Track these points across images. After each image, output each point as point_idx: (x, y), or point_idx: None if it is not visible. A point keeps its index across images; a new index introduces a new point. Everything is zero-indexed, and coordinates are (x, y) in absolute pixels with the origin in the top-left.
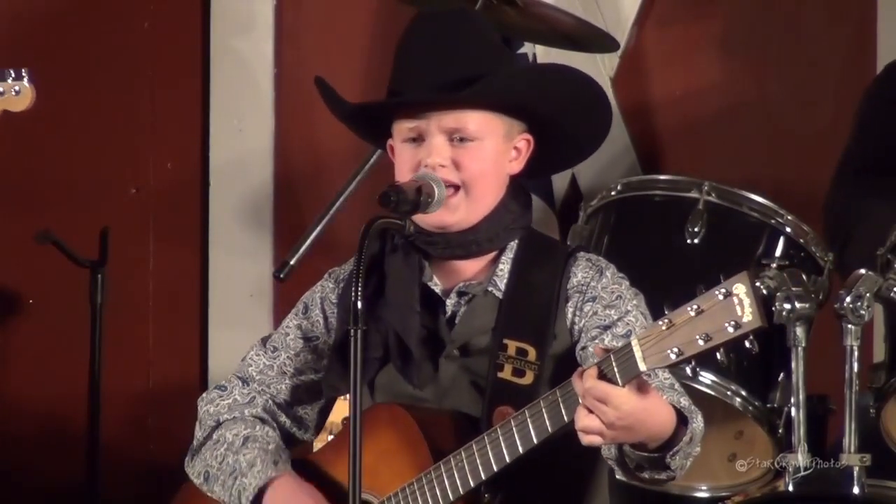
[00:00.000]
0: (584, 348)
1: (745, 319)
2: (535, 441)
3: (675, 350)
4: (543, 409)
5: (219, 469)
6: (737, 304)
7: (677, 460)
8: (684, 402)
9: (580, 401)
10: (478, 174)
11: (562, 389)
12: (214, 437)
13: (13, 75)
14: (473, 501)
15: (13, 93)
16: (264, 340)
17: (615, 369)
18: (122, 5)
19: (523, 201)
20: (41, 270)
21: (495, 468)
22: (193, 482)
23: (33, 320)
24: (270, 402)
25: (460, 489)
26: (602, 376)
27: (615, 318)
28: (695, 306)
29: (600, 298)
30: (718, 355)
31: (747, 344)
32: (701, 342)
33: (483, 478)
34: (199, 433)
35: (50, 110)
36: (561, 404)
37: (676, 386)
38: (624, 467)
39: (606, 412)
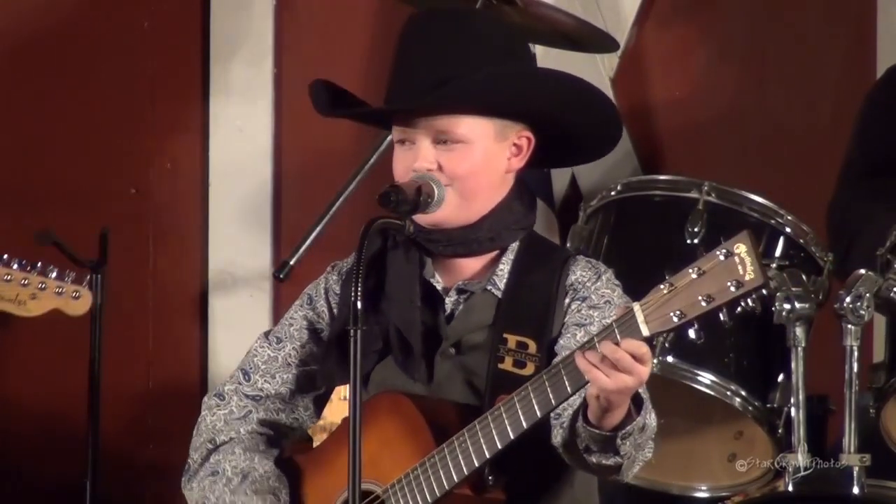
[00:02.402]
0: (558, 344)
1: (747, 278)
2: (538, 415)
3: (678, 313)
4: (546, 382)
5: None
6: (738, 263)
7: (627, 446)
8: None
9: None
10: (464, 175)
11: (564, 362)
12: (212, 461)
13: (73, 277)
14: (477, 483)
15: (73, 297)
16: (267, 334)
17: (618, 337)
18: (122, 5)
19: (527, 203)
20: None
21: (499, 445)
22: None
23: (33, 320)
24: (269, 410)
25: (464, 469)
26: None
27: (596, 318)
28: (696, 268)
29: (589, 300)
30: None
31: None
32: (703, 303)
33: (487, 456)
34: (194, 453)
35: (50, 110)
36: (564, 376)
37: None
38: (573, 450)
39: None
